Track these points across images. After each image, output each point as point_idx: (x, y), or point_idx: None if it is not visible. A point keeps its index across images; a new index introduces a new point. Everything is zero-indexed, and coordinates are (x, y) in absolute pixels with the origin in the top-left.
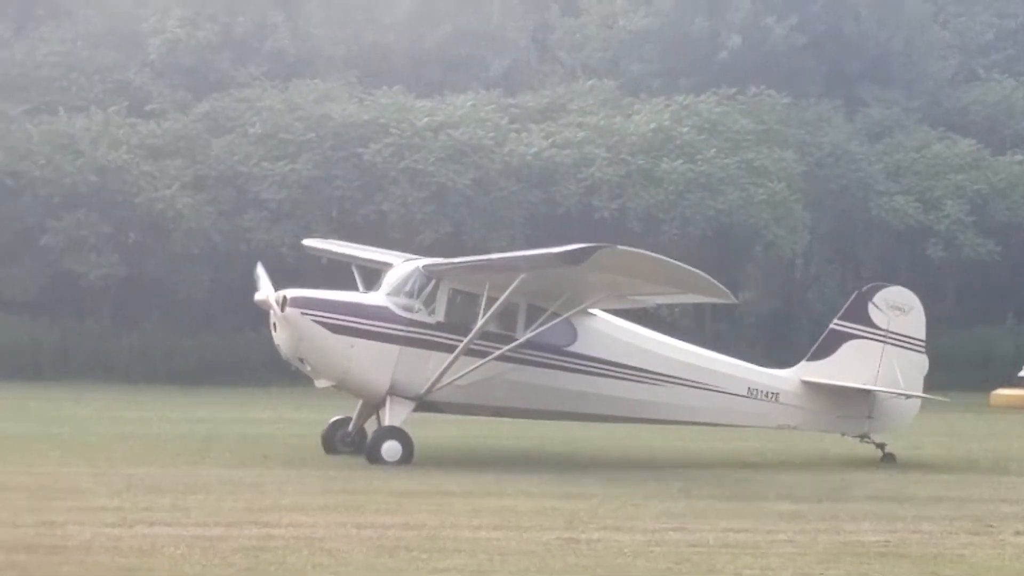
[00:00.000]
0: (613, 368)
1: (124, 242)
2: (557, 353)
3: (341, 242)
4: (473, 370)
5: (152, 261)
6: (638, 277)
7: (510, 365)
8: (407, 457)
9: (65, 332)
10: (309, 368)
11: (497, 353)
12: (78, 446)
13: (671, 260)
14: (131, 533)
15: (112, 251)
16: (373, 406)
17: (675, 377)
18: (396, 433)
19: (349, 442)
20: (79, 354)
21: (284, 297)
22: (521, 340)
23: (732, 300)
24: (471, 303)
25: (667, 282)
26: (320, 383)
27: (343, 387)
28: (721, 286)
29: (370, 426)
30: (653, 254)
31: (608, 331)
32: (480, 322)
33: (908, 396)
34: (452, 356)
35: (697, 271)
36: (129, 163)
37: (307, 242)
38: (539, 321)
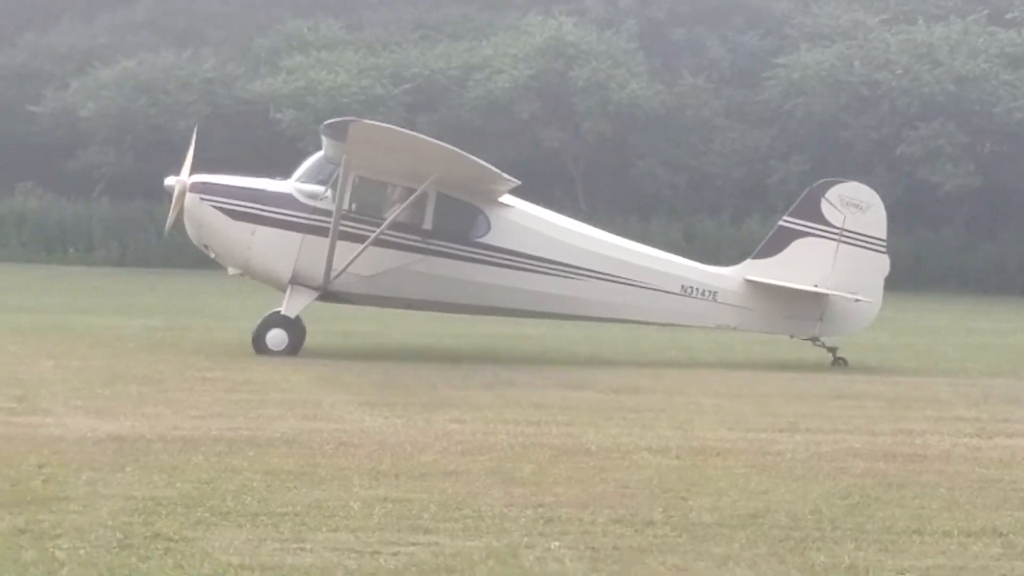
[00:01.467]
0: (527, 261)
1: (980, 152)
2: (467, 244)
3: None
4: (355, 259)
5: (1008, 171)
6: (400, 154)
7: (417, 256)
8: (293, 348)
9: (919, 242)
10: (214, 255)
11: (369, 239)
12: (932, 357)
13: (423, 136)
14: (990, 444)
15: (968, 161)
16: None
17: (596, 271)
18: (284, 322)
19: None
20: (933, 264)
21: (185, 183)
22: (384, 225)
23: (510, 182)
24: (378, 191)
25: (431, 161)
26: (231, 270)
27: (248, 275)
28: (488, 166)
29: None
30: (404, 129)
31: (526, 223)
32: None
33: (856, 299)
34: (362, 248)
35: (453, 149)
36: (988, 72)
37: None
38: (405, 203)
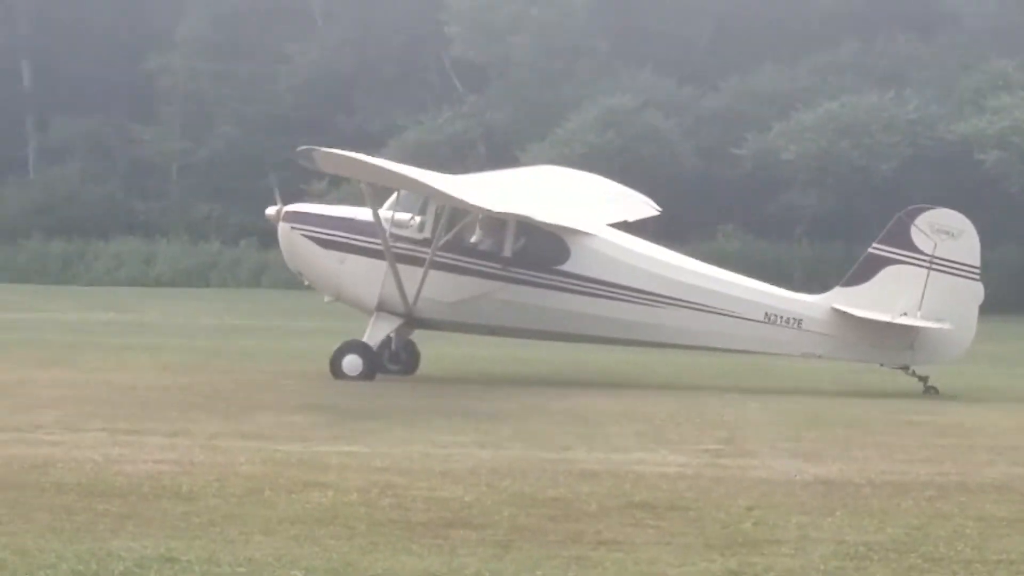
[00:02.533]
0: (606, 288)
1: None
2: (546, 272)
3: None
4: (421, 285)
5: None
6: (363, 178)
7: (498, 283)
8: (368, 374)
9: None
10: (307, 282)
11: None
12: None
13: (384, 162)
14: None
15: None
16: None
17: (677, 299)
18: (359, 348)
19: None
20: None
21: (279, 211)
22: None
23: (475, 206)
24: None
25: (389, 182)
26: (326, 297)
27: (341, 301)
28: (449, 193)
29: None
30: (364, 157)
31: (605, 250)
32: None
33: (942, 327)
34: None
35: (410, 174)
36: None
37: None
38: (456, 228)
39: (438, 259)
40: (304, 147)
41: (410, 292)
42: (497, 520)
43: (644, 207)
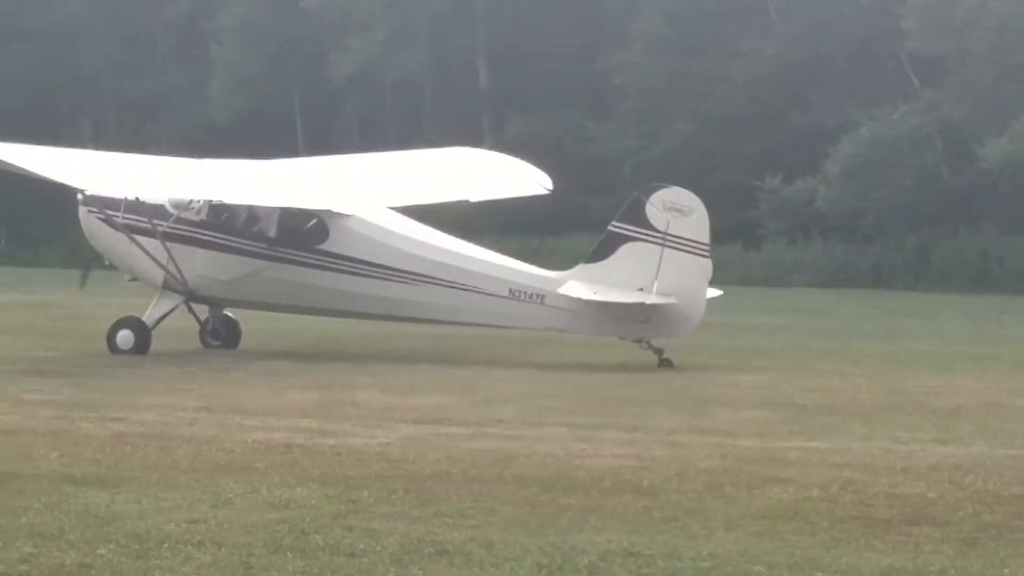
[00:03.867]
0: (362, 266)
1: None
2: (308, 251)
3: None
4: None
5: None
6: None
7: (265, 262)
8: (141, 347)
9: None
10: (107, 262)
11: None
12: None
13: None
14: None
15: None
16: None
17: (428, 276)
18: (133, 323)
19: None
20: None
21: (80, 195)
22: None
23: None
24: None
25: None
26: (126, 277)
27: (140, 280)
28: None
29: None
30: None
31: (362, 230)
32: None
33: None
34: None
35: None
36: None
37: None
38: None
39: (213, 239)
40: None
41: (188, 271)
42: (961, 517)
43: (535, 186)
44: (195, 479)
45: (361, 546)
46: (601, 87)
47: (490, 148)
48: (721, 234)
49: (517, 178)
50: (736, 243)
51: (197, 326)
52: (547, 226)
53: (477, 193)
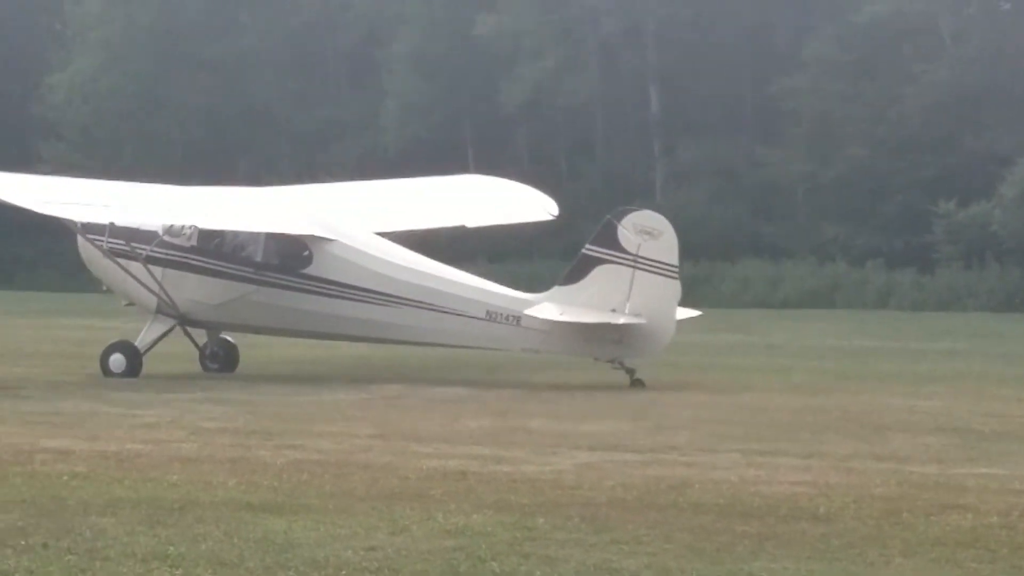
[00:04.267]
0: (344, 289)
1: None
2: (292, 275)
3: None
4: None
5: None
6: None
7: (252, 286)
8: (132, 371)
9: None
10: (105, 288)
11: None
12: None
13: None
14: None
15: None
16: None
17: (408, 299)
18: (125, 348)
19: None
20: None
21: (78, 223)
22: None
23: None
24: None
25: None
26: (123, 302)
27: (137, 305)
28: None
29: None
30: None
31: (343, 254)
32: None
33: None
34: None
35: None
36: None
37: None
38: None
39: (203, 264)
40: None
41: (178, 296)
42: None
43: (541, 212)
44: (371, 506)
45: (538, 573)
46: (773, 111)
47: (662, 174)
48: (895, 259)
49: (522, 204)
50: (911, 268)
51: (195, 350)
52: (718, 252)
53: (475, 219)
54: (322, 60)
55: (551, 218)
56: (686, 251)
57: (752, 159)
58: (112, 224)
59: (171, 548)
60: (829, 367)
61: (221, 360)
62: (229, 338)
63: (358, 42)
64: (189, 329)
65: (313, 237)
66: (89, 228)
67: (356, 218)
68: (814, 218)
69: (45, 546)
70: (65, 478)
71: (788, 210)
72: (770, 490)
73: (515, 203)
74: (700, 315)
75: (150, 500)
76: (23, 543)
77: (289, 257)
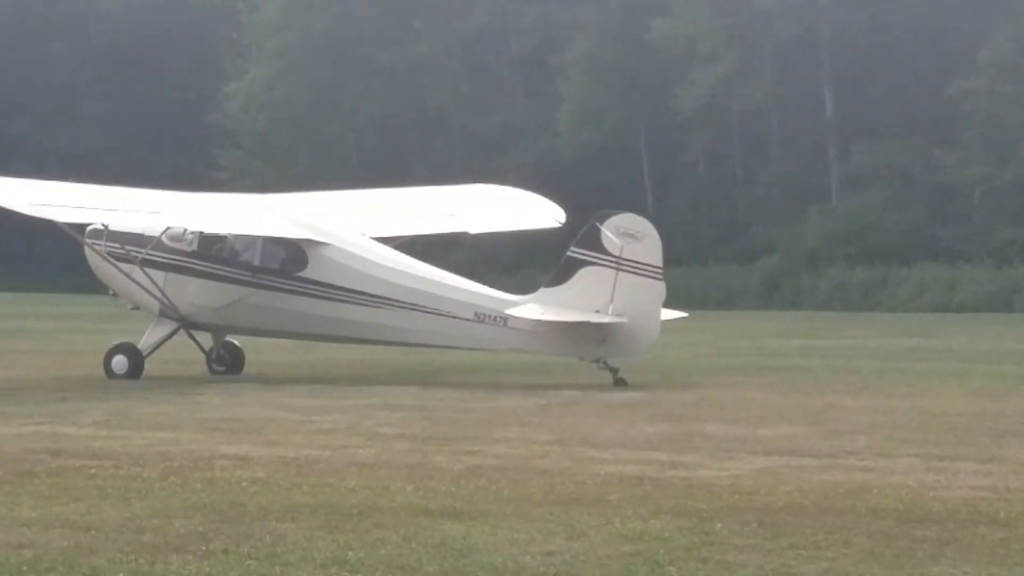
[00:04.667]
0: (337, 292)
1: None
2: (287, 278)
3: None
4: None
5: None
6: None
7: (250, 289)
8: (134, 372)
9: None
10: (111, 292)
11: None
12: None
13: None
14: None
15: None
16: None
17: (399, 301)
18: (128, 349)
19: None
20: None
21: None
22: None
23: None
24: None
25: None
26: (128, 306)
27: (141, 309)
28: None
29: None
30: None
31: (337, 258)
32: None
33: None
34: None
35: None
36: None
37: None
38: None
39: (203, 268)
40: None
41: (179, 299)
42: None
43: (548, 219)
44: (549, 512)
45: None
46: (950, 114)
47: (837, 178)
48: None
49: (529, 212)
50: None
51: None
52: (894, 255)
53: (478, 226)
54: (496, 66)
55: (558, 225)
56: (861, 254)
57: (928, 162)
58: (107, 228)
59: (350, 553)
60: (1009, 371)
61: (227, 363)
62: (235, 341)
63: (532, 47)
64: (194, 333)
65: (308, 241)
66: (92, 233)
67: (355, 224)
68: (991, 221)
69: (226, 551)
70: (244, 484)
71: (964, 213)
72: (949, 495)
73: (520, 210)
74: (687, 316)
75: (329, 505)
76: (204, 548)
77: (285, 261)
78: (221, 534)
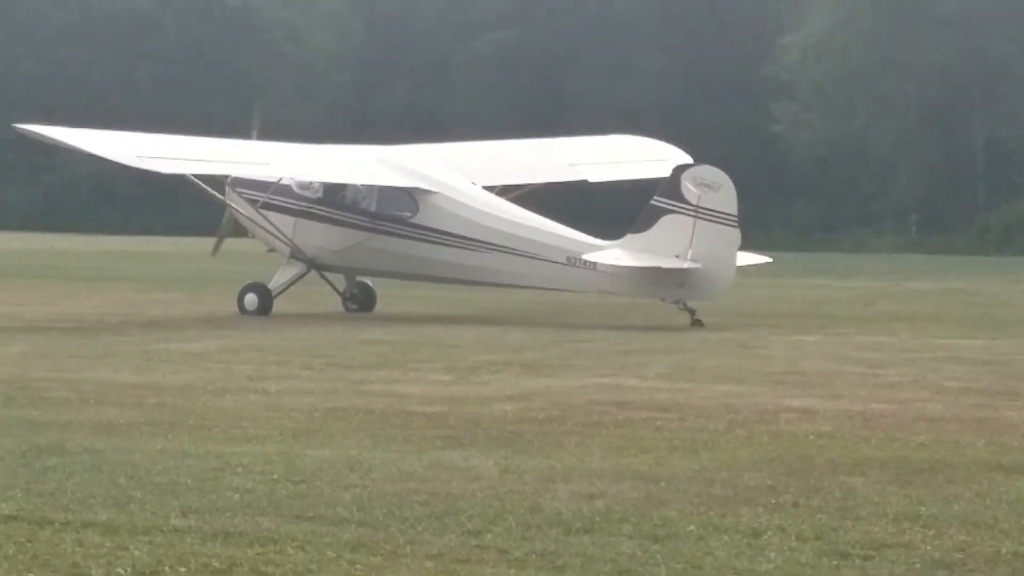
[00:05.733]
0: (445, 236)
1: None
2: (401, 224)
3: None
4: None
5: None
6: (65, 147)
7: (367, 234)
8: (264, 309)
9: None
10: (250, 235)
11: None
12: None
13: (56, 134)
14: None
15: None
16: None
17: (499, 246)
18: (259, 288)
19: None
20: None
21: (228, 177)
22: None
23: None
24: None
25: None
26: (265, 248)
27: (275, 251)
28: (95, 151)
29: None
30: (42, 129)
31: (444, 205)
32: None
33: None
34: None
35: (80, 141)
36: None
37: None
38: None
39: (326, 214)
40: (18, 126)
41: (306, 243)
42: None
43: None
44: None
45: None
46: None
47: None
48: None
49: (652, 161)
50: None
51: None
52: None
53: (597, 174)
54: None
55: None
56: None
57: None
58: (232, 177)
59: (922, 508)
60: None
61: (360, 301)
62: (368, 281)
63: None
64: (327, 275)
65: (419, 189)
66: (236, 183)
67: (468, 174)
68: None
69: (796, 504)
70: (811, 437)
71: None
72: None
73: (644, 159)
74: (771, 261)
75: (898, 460)
76: (773, 501)
77: (399, 208)
78: (790, 487)
